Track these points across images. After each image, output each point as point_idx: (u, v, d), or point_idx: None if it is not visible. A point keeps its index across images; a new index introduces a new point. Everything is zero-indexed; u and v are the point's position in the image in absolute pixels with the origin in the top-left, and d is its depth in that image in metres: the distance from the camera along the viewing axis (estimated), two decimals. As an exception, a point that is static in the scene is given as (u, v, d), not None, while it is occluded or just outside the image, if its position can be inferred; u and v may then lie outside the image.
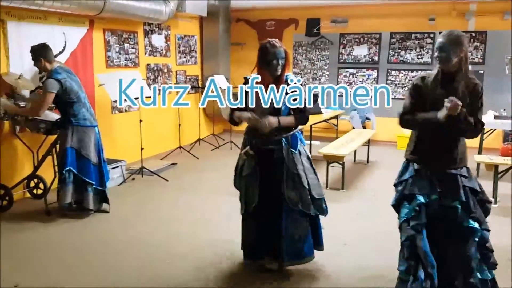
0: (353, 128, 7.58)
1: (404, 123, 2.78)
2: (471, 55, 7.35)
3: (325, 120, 7.05)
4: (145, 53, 6.68)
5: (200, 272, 3.22)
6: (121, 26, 6.13)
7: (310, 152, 6.83)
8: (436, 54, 2.64)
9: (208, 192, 5.14)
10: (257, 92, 3.03)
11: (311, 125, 6.64)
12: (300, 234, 3.08)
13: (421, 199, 2.66)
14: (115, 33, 6.06)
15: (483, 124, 2.67)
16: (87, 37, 5.54)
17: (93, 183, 4.24)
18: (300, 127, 3.17)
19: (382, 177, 5.77)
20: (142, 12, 5.87)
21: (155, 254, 3.52)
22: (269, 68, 2.97)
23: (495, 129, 6.32)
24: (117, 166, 5.39)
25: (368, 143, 6.48)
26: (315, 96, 7.42)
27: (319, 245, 3.23)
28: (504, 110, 6.14)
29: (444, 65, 2.62)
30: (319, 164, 6.30)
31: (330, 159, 5.29)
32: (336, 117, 7.46)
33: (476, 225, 2.63)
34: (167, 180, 5.56)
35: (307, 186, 3.03)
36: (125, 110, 6.34)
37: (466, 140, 2.74)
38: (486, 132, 6.14)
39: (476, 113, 2.62)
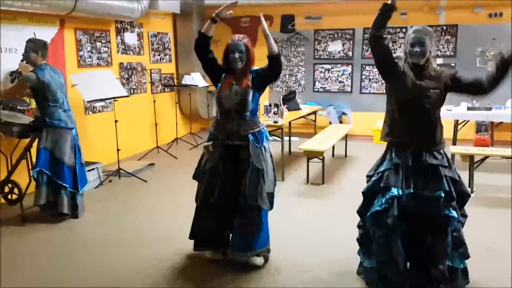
0: (330, 123, 7.63)
1: (373, 31, 2.78)
2: (443, 48, 7.50)
3: (303, 116, 7.07)
4: (118, 51, 6.54)
5: (181, 273, 3.17)
6: (92, 25, 5.97)
7: (290, 148, 6.89)
8: (413, 49, 2.67)
9: (188, 191, 5.04)
10: (228, 82, 3.06)
11: (290, 122, 6.65)
12: (254, 228, 3.12)
13: (395, 191, 2.71)
14: (87, 32, 5.90)
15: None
16: (58, 37, 5.38)
17: (67, 186, 4.13)
18: (264, 124, 3.19)
19: (360, 171, 5.79)
20: (114, 10, 5.74)
21: (136, 256, 3.44)
22: (229, 60, 3.02)
23: (468, 121, 6.47)
24: (93, 169, 5.25)
25: (345, 137, 6.53)
26: (293, 93, 7.45)
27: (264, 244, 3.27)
28: (477, 101, 6.29)
29: (420, 59, 2.68)
30: (299, 160, 6.34)
31: (311, 155, 5.31)
32: (314, 113, 7.49)
33: (455, 213, 2.71)
34: (146, 181, 5.46)
35: (265, 182, 3.07)
36: (99, 111, 6.19)
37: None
38: (460, 123, 6.28)
39: (469, 78, 2.76)
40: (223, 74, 3.12)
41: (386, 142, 2.87)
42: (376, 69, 2.96)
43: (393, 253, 2.73)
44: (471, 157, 4.79)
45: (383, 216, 2.72)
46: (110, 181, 5.47)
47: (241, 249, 3.16)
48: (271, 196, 3.17)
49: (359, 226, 3.01)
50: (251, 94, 3.04)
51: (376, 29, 2.72)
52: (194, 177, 3.28)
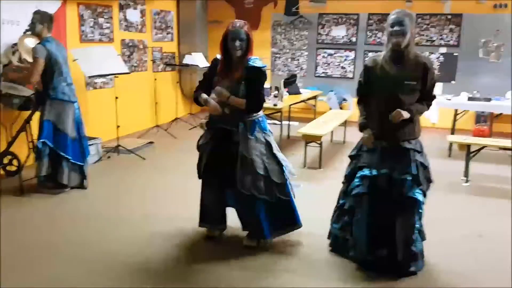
0: (331, 109, 7.64)
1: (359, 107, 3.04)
2: (446, 37, 7.47)
3: (303, 101, 7.07)
4: (120, 28, 6.50)
5: (179, 250, 3.22)
6: (95, 0, 5.92)
7: (289, 132, 6.91)
8: (393, 29, 2.71)
9: (185, 171, 5.08)
10: (221, 72, 3.04)
11: (290, 105, 6.66)
12: (252, 217, 3.17)
13: (366, 172, 2.85)
14: (89, 7, 5.86)
15: (434, 98, 2.89)
16: (61, 11, 5.34)
17: (69, 158, 4.18)
18: (260, 113, 3.15)
19: (358, 157, 5.84)
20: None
21: (133, 232, 3.49)
22: (229, 48, 2.97)
23: (467, 111, 6.48)
24: (93, 144, 5.27)
25: (344, 123, 6.55)
26: (294, 77, 7.43)
27: (295, 224, 3.30)
28: (477, 92, 6.30)
29: (399, 39, 2.70)
30: (297, 144, 6.37)
31: (308, 139, 5.33)
32: (314, 98, 7.49)
33: (421, 197, 2.80)
34: (144, 159, 5.50)
35: (262, 172, 3.05)
36: (100, 87, 6.19)
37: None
38: (459, 113, 6.30)
39: (431, 91, 2.82)
40: (217, 68, 3.08)
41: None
42: None
43: (357, 228, 2.91)
44: (468, 146, 4.82)
45: (356, 194, 2.90)
46: (109, 157, 5.50)
47: (252, 237, 3.26)
48: (282, 185, 3.14)
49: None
50: (243, 88, 2.99)
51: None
52: (197, 148, 3.35)
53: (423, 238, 2.98)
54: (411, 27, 2.71)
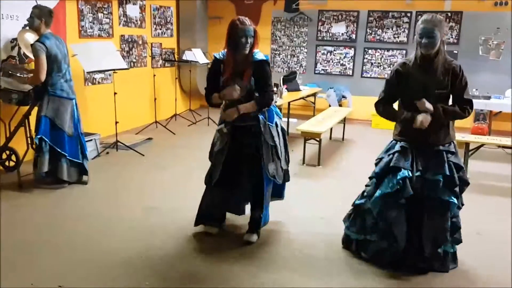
0: (330, 106, 7.64)
1: (378, 112, 2.96)
2: (446, 34, 7.46)
3: (302, 98, 7.07)
4: (119, 23, 6.49)
5: (178, 245, 3.22)
6: (94, -5, 5.92)
7: (288, 129, 6.90)
8: (422, 40, 2.66)
9: (185, 167, 5.11)
10: (228, 79, 3.02)
11: (289, 103, 6.65)
12: (261, 195, 3.25)
13: (406, 173, 2.75)
14: (89, 3, 5.84)
15: (471, 102, 2.77)
16: (60, 6, 5.32)
17: (66, 154, 4.18)
18: (274, 103, 3.23)
19: (356, 154, 5.86)
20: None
21: (132, 228, 3.49)
22: (238, 45, 2.96)
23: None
24: (91, 140, 5.27)
25: (344, 121, 6.55)
26: (294, 73, 7.43)
27: (280, 196, 3.57)
28: (477, 90, 6.30)
29: (429, 50, 2.67)
30: (296, 141, 6.37)
31: (307, 136, 5.34)
32: (314, 95, 7.48)
33: (455, 199, 2.76)
34: (143, 155, 5.49)
35: (281, 158, 3.18)
36: (99, 82, 6.18)
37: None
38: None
39: (462, 95, 2.74)
40: (221, 66, 3.07)
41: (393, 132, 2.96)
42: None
43: (398, 232, 2.80)
44: (466, 144, 4.83)
45: (393, 197, 2.78)
46: (108, 153, 5.50)
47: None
48: (286, 171, 3.31)
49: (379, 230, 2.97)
50: (254, 85, 3.03)
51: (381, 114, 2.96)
52: (210, 158, 3.34)
53: (457, 241, 2.94)
54: (441, 35, 2.66)
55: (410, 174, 2.76)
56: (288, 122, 6.97)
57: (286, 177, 3.35)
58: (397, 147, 2.86)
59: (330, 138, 6.71)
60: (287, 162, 3.32)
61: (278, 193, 3.52)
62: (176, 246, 3.22)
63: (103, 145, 5.60)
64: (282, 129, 3.25)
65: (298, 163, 5.41)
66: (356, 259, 3.07)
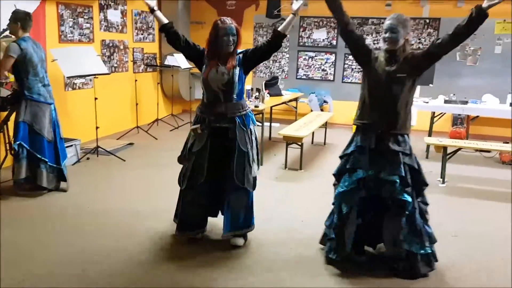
0: (312, 110, 7.70)
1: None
2: (425, 40, 7.62)
3: (284, 102, 7.11)
4: (100, 28, 6.44)
5: (162, 251, 3.21)
6: (75, 0, 5.85)
7: (270, 133, 6.95)
8: (386, 35, 2.81)
9: (166, 172, 5.08)
10: (213, 63, 3.05)
11: (271, 107, 6.69)
12: (241, 209, 3.21)
13: (360, 173, 2.89)
14: (69, 7, 5.79)
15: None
16: (40, 10, 5.26)
17: (47, 160, 4.13)
18: (250, 108, 3.24)
19: (338, 158, 5.90)
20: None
21: (113, 233, 3.46)
22: (221, 44, 3.00)
23: (444, 113, 6.62)
24: (71, 145, 5.21)
25: (325, 125, 6.62)
26: (275, 79, 7.48)
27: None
28: (454, 95, 6.44)
29: (392, 45, 2.81)
30: (278, 145, 6.41)
31: (289, 140, 5.38)
32: (296, 99, 7.54)
33: (409, 199, 2.84)
34: (124, 160, 5.45)
35: (252, 165, 3.15)
36: (79, 87, 6.11)
37: (412, 121, 2.98)
38: (436, 116, 6.43)
39: (439, 38, 2.81)
40: (206, 56, 3.12)
41: (356, 126, 3.03)
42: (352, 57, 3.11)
43: (348, 230, 2.92)
44: (444, 148, 4.93)
45: (348, 196, 2.91)
46: (88, 158, 5.44)
47: (231, 229, 3.23)
48: (254, 179, 3.24)
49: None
50: (238, 75, 3.05)
51: (341, 26, 2.92)
52: (179, 160, 3.28)
53: (432, 241, 2.98)
54: (405, 33, 2.80)
55: (365, 174, 2.87)
56: (270, 126, 7.00)
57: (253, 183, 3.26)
58: (353, 146, 2.96)
59: (312, 142, 6.76)
60: (258, 169, 3.26)
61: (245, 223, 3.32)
62: (160, 252, 3.20)
63: (84, 151, 5.53)
64: (256, 136, 3.24)
65: (281, 167, 5.44)
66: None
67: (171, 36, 3.15)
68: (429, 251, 2.95)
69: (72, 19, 5.85)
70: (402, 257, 2.92)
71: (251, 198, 3.27)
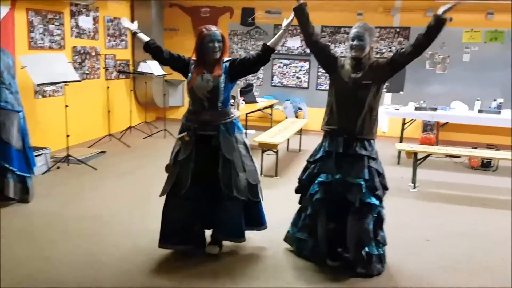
0: (287, 117, 7.75)
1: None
2: (396, 49, 7.78)
3: (260, 110, 7.14)
4: (72, 35, 6.32)
5: (135, 260, 3.15)
6: (45, 6, 5.74)
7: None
8: (353, 43, 2.89)
9: (139, 181, 5.01)
10: (198, 71, 3.05)
11: (246, 114, 6.71)
12: (232, 219, 3.16)
13: (323, 177, 2.98)
14: (39, 13, 5.67)
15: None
16: (9, 16, 5.13)
17: (15, 169, 4.00)
18: (237, 114, 3.23)
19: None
20: (69, -9, 5.54)
21: (85, 244, 3.38)
22: (207, 50, 3.00)
23: (415, 120, 6.78)
24: (41, 154, 5.08)
25: (300, 132, 6.67)
26: (250, 86, 7.51)
27: (262, 224, 3.37)
28: (424, 102, 6.61)
29: (358, 53, 2.89)
30: (254, 152, 6.37)
31: (265, 147, 5.39)
32: (271, 106, 7.58)
33: (376, 201, 2.92)
34: (96, 169, 5.34)
35: (243, 173, 3.09)
36: (50, 95, 5.97)
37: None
38: (406, 123, 6.58)
39: (403, 47, 2.91)
40: (192, 64, 3.10)
41: (324, 131, 3.10)
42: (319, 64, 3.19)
43: (318, 230, 3.02)
44: (415, 154, 5.04)
45: (313, 198, 3.01)
46: (58, 167, 5.31)
47: (230, 237, 3.25)
48: (256, 186, 3.18)
49: (299, 202, 3.29)
50: (223, 83, 3.04)
51: (306, 37, 3.01)
52: (167, 169, 3.19)
53: (384, 243, 3.08)
54: (370, 41, 2.89)
55: (330, 178, 2.94)
56: (246, 133, 6.99)
57: (254, 193, 3.18)
58: (321, 152, 3.03)
59: (287, 149, 6.80)
60: (253, 177, 3.17)
61: (258, 221, 3.34)
62: (132, 265, 3.13)
63: (54, 160, 5.40)
64: (245, 144, 3.18)
65: (258, 174, 5.43)
66: (309, 266, 3.12)
67: (154, 52, 3.17)
68: (381, 252, 3.07)
69: (42, 26, 5.73)
70: (363, 260, 2.99)
71: (241, 207, 3.16)
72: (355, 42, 2.87)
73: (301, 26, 3.01)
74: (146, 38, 3.20)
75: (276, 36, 3.11)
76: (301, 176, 3.19)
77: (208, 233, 3.34)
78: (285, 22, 3.13)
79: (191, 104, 3.12)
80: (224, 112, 3.09)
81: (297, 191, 3.25)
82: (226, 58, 3.13)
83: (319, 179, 3.00)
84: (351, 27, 3.00)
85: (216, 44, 3.00)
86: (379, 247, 3.05)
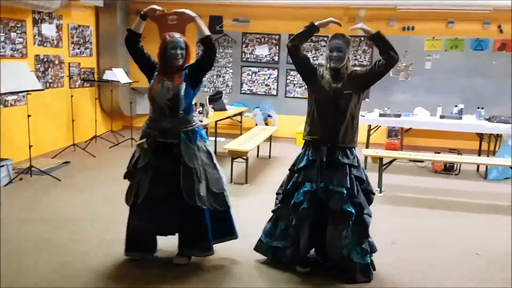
0: (256, 124, 7.78)
1: (292, 41, 3.03)
2: (360, 57, 7.98)
3: (229, 117, 7.14)
4: (34, 43, 6.15)
5: (103, 269, 3.07)
6: (7, 14, 5.55)
7: (215, 148, 6.92)
8: (332, 54, 2.92)
9: (105, 191, 4.90)
10: (159, 78, 3.03)
11: (216, 122, 6.69)
12: (195, 228, 3.12)
13: (308, 186, 2.98)
14: (0, 22, 5.48)
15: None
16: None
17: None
18: (200, 122, 3.20)
19: (283, 171, 5.96)
20: (30, -1, 5.41)
21: (50, 255, 3.27)
22: (170, 57, 2.99)
23: (380, 126, 6.95)
24: (3, 165, 4.89)
25: (270, 139, 6.70)
26: (219, 93, 7.50)
27: (232, 234, 3.33)
28: (388, 108, 6.78)
29: (337, 64, 2.94)
30: (224, 160, 6.37)
31: (234, 155, 5.38)
32: (240, 114, 7.60)
33: (353, 210, 2.95)
34: (59, 180, 5.19)
35: (204, 182, 3.06)
36: (11, 104, 5.77)
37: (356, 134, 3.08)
38: (372, 129, 6.73)
39: (373, 67, 2.99)
40: (155, 71, 3.09)
41: (304, 141, 3.11)
42: (298, 74, 3.19)
43: (301, 239, 3.03)
44: (380, 159, 5.16)
45: (298, 207, 2.99)
46: (21, 179, 5.12)
47: (185, 248, 3.18)
48: (221, 195, 3.15)
49: (273, 211, 3.27)
50: (183, 90, 3.02)
51: (297, 42, 3.00)
52: (125, 176, 3.17)
53: (372, 251, 3.09)
54: (348, 51, 2.96)
55: (314, 187, 2.96)
56: (215, 141, 6.98)
57: (220, 202, 3.15)
58: (304, 161, 3.04)
59: (258, 156, 6.82)
60: (222, 185, 3.17)
61: (228, 231, 3.30)
62: (100, 278, 3.04)
63: (16, 171, 5.21)
64: (208, 152, 3.16)
65: (226, 182, 5.41)
66: (279, 273, 3.13)
67: (137, 43, 3.12)
68: (368, 261, 3.07)
69: (3, 34, 5.55)
70: (345, 264, 3.02)
71: (207, 217, 3.13)
72: (334, 54, 2.92)
73: (303, 38, 3.02)
74: (140, 30, 3.12)
75: (197, 27, 3.08)
76: (286, 186, 3.15)
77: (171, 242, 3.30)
78: (190, 13, 3.10)
79: (152, 111, 3.10)
80: (186, 120, 3.07)
81: (281, 201, 3.19)
82: (186, 64, 3.12)
83: (304, 188, 2.99)
84: (319, 36, 3.06)
85: (179, 51, 2.99)
86: (365, 255, 3.02)
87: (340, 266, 3.06)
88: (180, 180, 3.00)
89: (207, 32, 3.05)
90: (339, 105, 2.93)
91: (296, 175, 3.08)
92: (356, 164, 3.00)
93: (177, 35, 3.05)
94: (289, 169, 3.18)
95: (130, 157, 3.17)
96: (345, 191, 2.91)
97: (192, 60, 3.12)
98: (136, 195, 3.06)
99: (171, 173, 3.02)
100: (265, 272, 3.19)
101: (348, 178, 2.93)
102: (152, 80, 3.08)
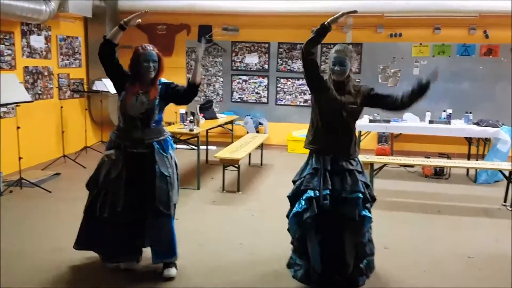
0: (248, 132, 7.79)
1: (306, 44, 2.95)
2: (354, 64, 8.04)
3: (220, 125, 7.15)
4: (23, 54, 6.12)
5: (93, 284, 3.04)
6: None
7: (207, 156, 6.92)
8: (335, 67, 2.91)
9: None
10: (133, 91, 3.01)
11: (207, 130, 6.69)
12: (167, 237, 3.12)
13: (311, 193, 2.90)
14: (-14, 32, 5.47)
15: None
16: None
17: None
18: (168, 133, 3.20)
19: (274, 178, 6.02)
20: (19, 11, 5.39)
21: (42, 267, 3.24)
22: (142, 70, 2.98)
23: (370, 132, 7.00)
24: (-9, 179, 4.85)
25: (261, 147, 6.72)
26: (210, 102, 7.51)
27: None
28: (378, 114, 6.83)
29: (341, 77, 2.93)
30: (215, 168, 6.38)
31: (226, 163, 5.38)
32: (231, 122, 7.61)
33: (369, 214, 2.96)
34: (50, 192, 5.14)
35: (173, 191, 3.09)
36: (1, 117, 5.72)
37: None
38: (362, 135, 6.78)
39: (384, 95, 3.05)
40: (128, 82, 3.06)
41: (309, 150, 3.07)
42: (305, 82, 3.14)
43: (311, 250, 2.92)
44: (371, 164, 5.19)
45: (302, 216, 2.89)
46: (11, 191, 5.07)
47: (161, 258, 3.15)
48: (174, 206, 3.16)
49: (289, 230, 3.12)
50: (157, 105, 3.03)
51: (311, 46, 2.91)
52: (88, 185, 3.15)
53: (372, 253, 3.12)
54: (351, 64, 2.95)
55: (318, 194, 2.88)
56: (207, 150, 6.98)
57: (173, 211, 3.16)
58: (308, 169, 3.00)
59: (249, 164, 6.82)
60: (177, 196, 3.18)
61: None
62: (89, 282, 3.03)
63: (6, 183, 5.16)
64: (175, 162, 3.18)
65: (218, 190, 5.42)
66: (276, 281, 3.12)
67: (111, 53, 3.05)
68: (366, 263, 3.07)
69: (-10, 45, 5.52)
70: (363, 271, 3.01)
71: (173, 225, 3.15)
72: (336, 68, 2.91)
73: (315, 43, 2.91)
74: (117, 40, 3.07)
75: (193, 71, 3.07)
76: (290, 197, 3.09)
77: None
78: (200, 53, 3.12)
79: (122, 121, 3.07)
80: (157, 130, 3.09)
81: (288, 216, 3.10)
82: (162, 79, 3.11)
83: (307, 195, 2.92)
84: (323, 43, 3.03)
85: (151, 64, 2.97)
86: (365, 258, 3.05)
87: (356, 273, 3.00)
88: (155, 188, 2.99)
89: (198, 79, 3.06)
90: (345, 117, 2.93)
91: (297, 184, 3.03)
92: (361, 169, 3.01)
93: (149, 47, 3.02)
94: (293, 181, 3.12)
95: (96, 167, 3.14)
96: (361, 196, 2.89)
97: (165, 74, 3.09)
98: (110, 206, 3.02)
99: (142, 183, 3.03)
100: (260, 281, 3.18)
101: (360, 183, 2.92)
102: (123, 92, 3.05)
